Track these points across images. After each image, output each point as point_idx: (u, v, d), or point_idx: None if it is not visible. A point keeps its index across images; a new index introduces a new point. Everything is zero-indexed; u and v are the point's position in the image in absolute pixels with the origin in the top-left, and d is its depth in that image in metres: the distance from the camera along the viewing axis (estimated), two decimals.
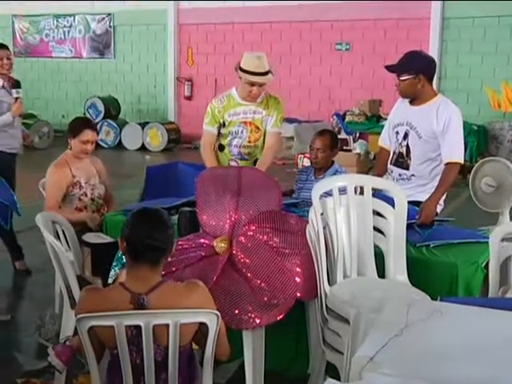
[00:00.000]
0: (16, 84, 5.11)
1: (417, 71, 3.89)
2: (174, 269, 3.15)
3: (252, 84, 4.26)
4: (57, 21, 15.70)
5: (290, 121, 11.73)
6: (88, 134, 4.38)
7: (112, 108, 14.27)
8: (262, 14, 13.23)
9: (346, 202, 3.37)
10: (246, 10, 13.41)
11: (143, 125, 13.88)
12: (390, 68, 4.00)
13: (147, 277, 2.36)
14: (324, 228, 3.25)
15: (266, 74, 4.26)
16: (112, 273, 3.16)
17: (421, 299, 2.89)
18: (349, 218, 3.36)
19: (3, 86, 5.13)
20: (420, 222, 3.70)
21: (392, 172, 4.17)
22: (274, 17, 13.20)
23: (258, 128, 4.46)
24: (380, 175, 4.20)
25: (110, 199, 4.60)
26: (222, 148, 4.55)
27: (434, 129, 3.90)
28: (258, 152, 4.53)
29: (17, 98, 5.06)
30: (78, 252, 3.68)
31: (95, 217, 4.34)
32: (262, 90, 4.36)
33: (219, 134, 4.50)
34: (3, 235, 5.18)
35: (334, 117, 12.05)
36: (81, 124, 4.48)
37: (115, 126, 13.94)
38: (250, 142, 4.48)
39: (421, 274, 3.28)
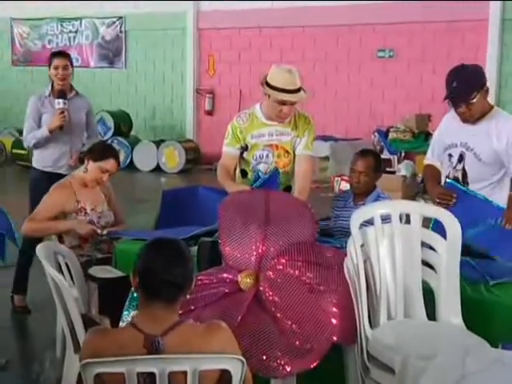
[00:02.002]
0: (61, 94, 5.17)
1: (481, 86, 3.88)
2: (192, 307, 3.17)
3: (282, 103, 4.20)
4: (61, 25, 15.96)
5: (325, 138, 11.74)
6: (110, 163, 4.42)
7: (123, 124, 14.43)
8: (294, 17, 13.26)
9: (389, 232, 3.36)
10: (275, 13, 13.46)
11: (158, 143, 14.01)
12: (458, 100, 3.89)
13: (163, 317, 2.38)
14: (365, 262, 3.24)
15: (297, 91, 4.21)
16: (125, 313, 3.16)
17: (479, 346, 2.86)
18: (393, 250, 3.35)
19: (49, 95, 5.22)
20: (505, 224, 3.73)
21: None
22: (307, 20, 13.23)
23: (287, 152, 4.41)
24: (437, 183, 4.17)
25: (120, 227, 4.59)
26: (244, 174, 4.52)
27: (495, 147, 3.91)
28: (288, 179, 4.48)
29: (60, 109, 5.10)
30: (83, 288, 3.70)
31: (84, 223, 4.35)
32: (292, 110, 4.32)
33: (242, 158, 4.48)
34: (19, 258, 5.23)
35: (376, 134, 12.03)
36: (107, 150, 4.52)
37: (126, 144, 14.07)
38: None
39: (478, 317, 3.25)
